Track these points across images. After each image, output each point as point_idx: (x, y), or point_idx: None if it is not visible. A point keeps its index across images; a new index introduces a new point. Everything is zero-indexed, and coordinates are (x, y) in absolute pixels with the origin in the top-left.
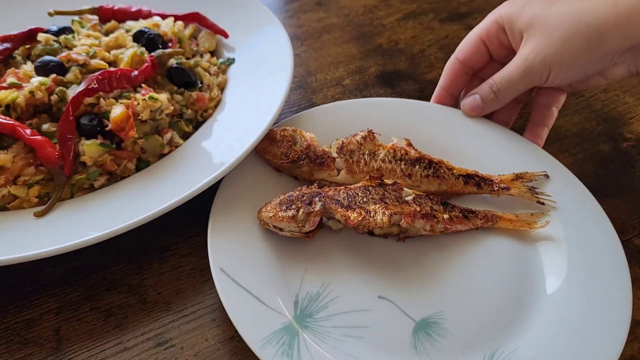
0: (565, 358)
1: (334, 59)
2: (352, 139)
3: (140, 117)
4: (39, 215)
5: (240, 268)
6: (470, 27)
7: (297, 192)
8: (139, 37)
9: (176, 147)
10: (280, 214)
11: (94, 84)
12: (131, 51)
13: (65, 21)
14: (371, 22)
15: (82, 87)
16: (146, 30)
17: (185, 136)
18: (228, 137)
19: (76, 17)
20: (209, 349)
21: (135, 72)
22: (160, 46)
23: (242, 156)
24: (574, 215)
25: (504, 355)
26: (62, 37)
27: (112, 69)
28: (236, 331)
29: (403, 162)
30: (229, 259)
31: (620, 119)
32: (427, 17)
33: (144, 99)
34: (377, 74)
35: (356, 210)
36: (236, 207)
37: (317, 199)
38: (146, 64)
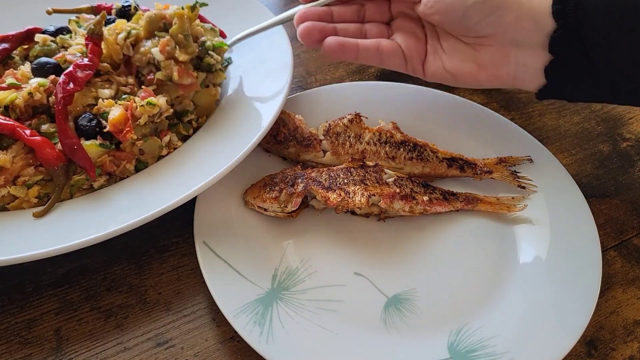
0: (527, 337)
1: (334, 59)
2: (339, 122)
3: (138, 122)
4: (39, 215)
5: (223, 243)
6: None
7: (281, 174)
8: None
9: (174, 148)
10: (263, 195)
11: (66, 87)
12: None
13: (63, 20)
14: None
15: (59, 95)
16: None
17: (184, 137)
18: (228, 137)
19: (74, 16)
20: (209, 349)
21: (86, 60)
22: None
23: (242, 157)
24: (554, 200)
25: (470, 331)
26: (58, 38)
27: (71, 68)
28: (236, 331)
29: (388, 145)
30: (213, 234)
31: (619, 119)
32: None
33: (142, 105)
34: (377, 74)
35: (336, 191)
36: (224, 185)
37: (299, 180)
38: (89, 45)
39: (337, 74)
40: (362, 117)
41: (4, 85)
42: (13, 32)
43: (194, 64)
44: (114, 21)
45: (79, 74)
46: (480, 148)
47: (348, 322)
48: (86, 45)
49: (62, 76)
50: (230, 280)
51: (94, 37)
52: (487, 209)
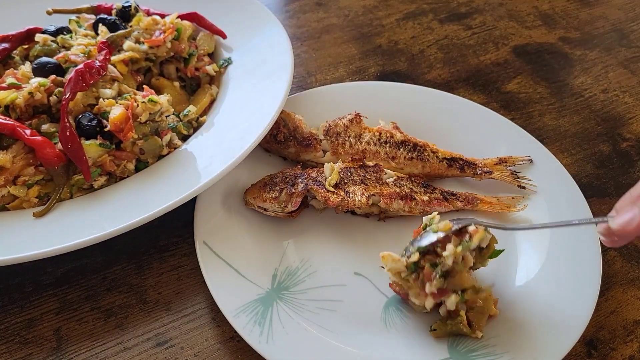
0: (526, 337)
1: (334, 59)
2: (339, 122)
3: (139, 119)
4: (39, 215)
5: (223, 242)
6: (470, 28)
7: (281, 174)
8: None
9: (175, 148)
10: (263, 195)
11: (77, 84)
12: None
13: (63, 20)
14: (371, 22)
15: (67, 94)
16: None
17: (185, 137)
18: (228, 137)
19: (74, 16)
20: (209, 349)
21: (98, 62)
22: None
23: (242, 156)
24: (553, 200)
25: None
26: (59, 37)
27: (80, 66)
28: (236, 331)
29: (388, 145)
30: (213, 234)
31: (619, 119)
32: (427, 17)
33: (144, 102)
34: (377, 74)
35: (336, 191)
36: (224, 185)
37: (299, 180)
38: (104, 51)
39: (337, 74)
40: (362, 117)
41: (4, 85)
42: (13, 32)
43: None
44: (114, 22)
45: (89, 75)
46: (480, 148)
47: (348, 322)
48: (99, 49)
49: (74, 73)
50: (230, 280)
51: (112, 46)
52: (487, 209)
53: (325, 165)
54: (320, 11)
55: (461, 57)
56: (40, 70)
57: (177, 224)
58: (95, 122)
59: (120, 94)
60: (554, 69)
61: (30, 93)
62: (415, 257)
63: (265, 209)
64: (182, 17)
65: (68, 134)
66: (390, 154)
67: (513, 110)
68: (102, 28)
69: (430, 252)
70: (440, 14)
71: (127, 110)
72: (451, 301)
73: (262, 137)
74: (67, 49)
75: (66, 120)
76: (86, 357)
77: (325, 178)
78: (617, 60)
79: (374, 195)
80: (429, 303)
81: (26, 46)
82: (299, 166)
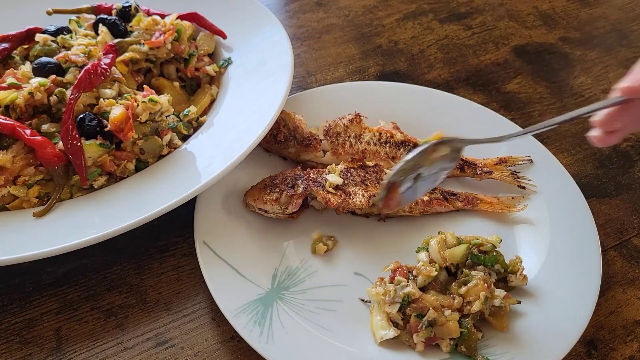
0: (526, 336)
1: (334, 59)
2: (339, 122)
3: (139, 119)
4: (39, 215)
5: (223, 243)
6: (470, 27)
7: (281, 175)
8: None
9: (175, 148)
10: (264, 197)
11: (86, 84)
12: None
13: (63, 20)
14: (371, 22)
15: (75, 93)
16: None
17: (185, 137)
18: (228, 137)
19: (74, 16)
20: (209, 349)
21: (104, 65)
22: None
23: (242, 156)
24: (553, 200)
25: None
26: (59, 37)
27: (88, 66)
28: (236, 331)
29: (388, 145)
30: (213, 234)
31: None
32: (427, 17)
33: (144, 102)
34: (377, 74)
35: (336, 192)
36: (224, 185)
37: (299, 181)
38: (111, 55)
39: (337, 74)
40: (362, 117)
41: (4, 85)
42: (13, 32)
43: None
44: (114, 22)
45: (94, 76)
46: (481, 148)
47: (348, 322)
48: (106, 52)
49: (83, 72)
50: (230, 280)
51: (120, 51)
52: (487, 209)
53: (329, 169)
54: (320, 11)
55: (461, 57)
56: (40, 70)
57: (177, 224)
58: (95, 122)
59: (120, 94)
60: (554, 69)
61: (31, 93)
62: (393, 311)
63: (265, 211)
64: (182, 17)
65: (73, 134)
66: (390, 154)
67: (513, 110)
68: (102, 28)
69: (415, 302)
70: (440, 14)
71: (128, 110)
72: (445, 345)
73: (262, 137)
74: (67, 49)
75: (71, 120)
76: (86, 357)
77: (326, 180)
78: (617, 60)
79: (375, 196)
80: (420, 347)
81: (26, 46)
82: (299, 167)
